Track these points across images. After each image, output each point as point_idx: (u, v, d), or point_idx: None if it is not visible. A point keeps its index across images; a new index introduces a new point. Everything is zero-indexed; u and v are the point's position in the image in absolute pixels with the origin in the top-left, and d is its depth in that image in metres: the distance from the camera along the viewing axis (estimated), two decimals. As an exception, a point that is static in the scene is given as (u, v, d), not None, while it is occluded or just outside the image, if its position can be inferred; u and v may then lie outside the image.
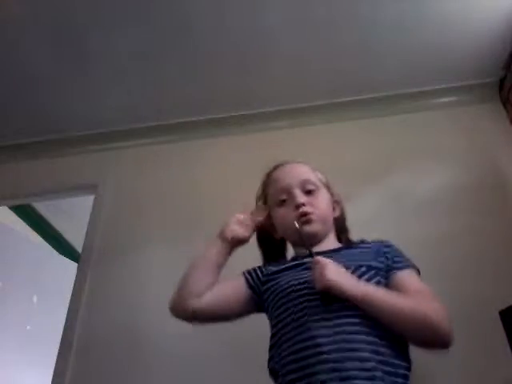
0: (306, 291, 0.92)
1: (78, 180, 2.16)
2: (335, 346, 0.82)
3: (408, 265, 1.00)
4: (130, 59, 1.91)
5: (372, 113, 2.07)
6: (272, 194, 1.12)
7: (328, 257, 0.94)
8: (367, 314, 0.86)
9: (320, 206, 1.07)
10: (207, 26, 1.78)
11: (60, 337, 1.72)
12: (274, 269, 1.05)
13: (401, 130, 2.00)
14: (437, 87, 2.05)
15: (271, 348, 0.96)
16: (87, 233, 1.98)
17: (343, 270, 0.91)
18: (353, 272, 0.93)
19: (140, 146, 2.20)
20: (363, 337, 0.84)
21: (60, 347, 1.69)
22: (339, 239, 1.14)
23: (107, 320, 1.72)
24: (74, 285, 1.84)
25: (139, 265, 1.84)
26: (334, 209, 1.15)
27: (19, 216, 2.81)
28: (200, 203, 1.94)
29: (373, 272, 0.95)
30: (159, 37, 1.82)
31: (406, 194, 1.83)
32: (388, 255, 1.01)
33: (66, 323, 1.74)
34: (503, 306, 1.31)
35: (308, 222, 1.03)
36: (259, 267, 1.10)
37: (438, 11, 1.74)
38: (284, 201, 1.08)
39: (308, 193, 1.08)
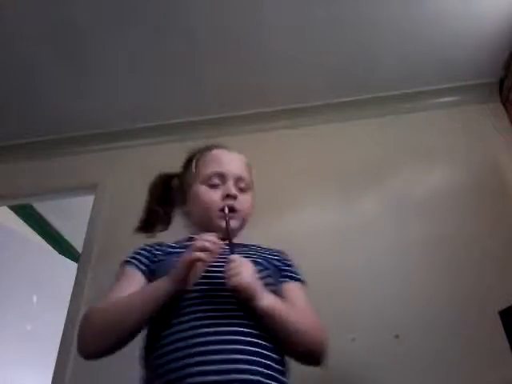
0: (208, 287, 0.88)
1: (78, 180, 2.16)
2: (222, 357, 0.79)
3: (300, 278, 1.02)
4: (129, 59, 1.91)
5: (372, 113, 2.07)
6: (205, 171, 1.07)
7: (240, 251, 0.94)
8: (262, 325, 0.84)
9: (246, 207, 1.06)
10: (207, 26, 1.78)
11: (60, 337, 1.72)
12: (170, 249, 1.00)
13: (401, 130, 2.00)
14: (437, 87, 2.05)
15: (152, 336, 0.90)
16: (87, 233, 1.98)
17: (256, 275, 0.87)
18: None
19: (140, 146, 2.20)
20: (254, 349, 0.82)
21: (60, 347, 1.69)
22: None
23: (107, 320, 1.72)
24: (74, 285, 1.84)
25: (139, 265, 1.84)
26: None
27: (19, 216, 2.81)
28: (200, 203, 1.94)
29: (265, 273, 0.94)
30: (159, 37, 1.82)
31: (406, 193, 1.83)
32: (284, 262, 1.03)
33: (65, 323, 1.74)
34: (503, 306, 1.31)
35: (232, 218, 1.01)
36: (147, 246, 1.03)
37: (437, 11, 1.74)
38: (215, 185, 1.04)
39: (239, 190, 1.06)
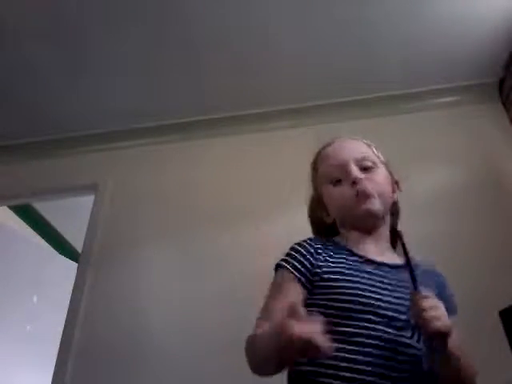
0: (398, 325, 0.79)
1: (78, 180, 2.16)
2: None
3: (455, 310, 0.90)
4: (129, 59, 1.91)
5: (372, 113, 2.07)
6: (324, 172, 0.98)
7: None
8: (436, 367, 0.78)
9: (380, 183, 0.93)
10: (207, 27, 1.78)
11: (60, 337, 1.72)
12: (336, 260, 0.87)
13: (401, 130, 1.99)
14: (437, 87, 2.05)
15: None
16: (87, 233, 1.99)
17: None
18: None
19: (140, 145, 2.20)
20: None
21: (60, 347, 1.70)
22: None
23: (107, 319, 1.72)
24: (74, 285, 1.84)
25: (139, 264, 1.84)
26: (393, 191, 1.02)
27: (19, 216, 2.81)
28: (200, 203, 1.94)
29: None
30: (159, 37, 1.82)
31: (406, 193, 1.82)
32: (443, 293, 0.88)
33: (65, 323, 1.74)
34: (503, 306, 1.31)
35: (368, 198, 0.89)
36: (309, 253, 0.88)
37: (438, 12, 1.74)
38: (339, 180, 0.94)
39: (365, 170, 0.94)
